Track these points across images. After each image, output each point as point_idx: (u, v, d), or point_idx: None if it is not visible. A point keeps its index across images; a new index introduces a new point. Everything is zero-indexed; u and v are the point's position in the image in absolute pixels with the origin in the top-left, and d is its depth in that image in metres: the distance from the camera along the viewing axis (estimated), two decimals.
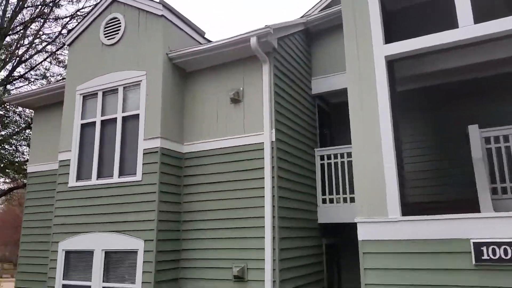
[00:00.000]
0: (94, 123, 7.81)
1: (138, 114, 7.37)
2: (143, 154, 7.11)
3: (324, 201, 8.21)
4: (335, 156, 8.25)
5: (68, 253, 7.38)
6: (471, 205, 6.88)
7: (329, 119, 9.79)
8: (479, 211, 4.43)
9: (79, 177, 7.68)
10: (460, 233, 4.14)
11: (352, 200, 7.92)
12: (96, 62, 8.10)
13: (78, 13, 19.36)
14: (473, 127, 6.86)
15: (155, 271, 6.46)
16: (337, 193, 8.21)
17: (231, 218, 6.81)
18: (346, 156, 8.02)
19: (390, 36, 5.19)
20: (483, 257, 3.98)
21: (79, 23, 8.74)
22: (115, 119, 7.61)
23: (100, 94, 7.87)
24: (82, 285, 7.07)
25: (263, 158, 6.71)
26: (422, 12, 6.90)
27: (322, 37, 9.10)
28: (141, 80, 7.46)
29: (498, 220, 4.04)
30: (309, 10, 9.72)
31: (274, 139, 6.74)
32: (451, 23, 4.93)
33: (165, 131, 7.15)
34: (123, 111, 7.57)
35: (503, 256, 3.91)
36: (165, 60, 7.41)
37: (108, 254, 7.00)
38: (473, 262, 4.01)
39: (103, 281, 6.87)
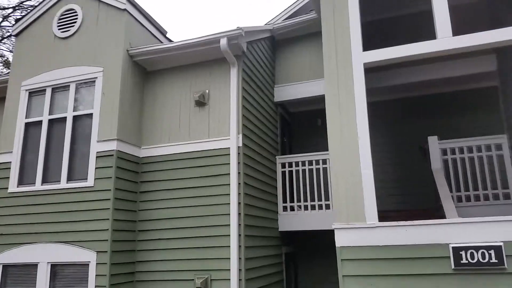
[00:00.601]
0: (40, 122, 7.07)
1: (92, 114, 6.79)
2: (96, 157, 6.53)
3: (284, 208, 8.07)
4: (296, 164, 8.18)
5: (6, 267, 6.53)
6: (429, 214, 7.09)
7: (288, 127, 9.75)
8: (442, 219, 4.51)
9: (21, 182, 6.88)
10: (439, 238, 4.15)
11: (313, 207, 7.87)
12: (46, 56, 7.39)
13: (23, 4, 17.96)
14: (432, 138, 7.14)
15: (109, 285, 5.88)
16: (298, 200, 8.12)
17: (192, 226, 6.42)
18: (308, 164, 7.99)
19: (367, 46, 5.20)
20: (462, 261, 4.01)
21: (29, 12, 7.97)
22: (64, 119, 6.94)
23: (48, 91, 7.17)
24: None
25: (229, 163, 6.43)
26: (400, 24, 7.09)
27: (286, 46, 9.07)
28: (96, 77, 6.90)
29: (475, 225, 4.10)
30: (273, 18, 9.69)
31: (240, 144, 6.50)
32: (428, 36, 5.04)
33: (122, 133, 6.64)
34: (74, 110, 6.94)
35: (481, 259, 3.97)
36: (125, 57, 6.93)
37: (54, 267, 6.29)
38: (452, 266, 4.03)
39: None
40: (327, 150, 8.31)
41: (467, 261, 4.00)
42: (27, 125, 7.19)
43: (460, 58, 7.32)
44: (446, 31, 4.75)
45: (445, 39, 4.73)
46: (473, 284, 3.94)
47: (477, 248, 4.00)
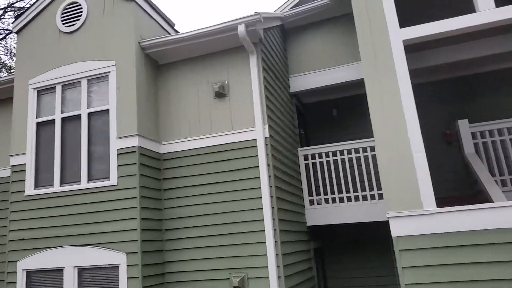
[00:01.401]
0: (53, 121, 6.69)
1: (108, 110, 6.43)
2: (118, 154, 6.18)
3: (311, 202, 7.79)
4: (320, 156, 7.91)
5: (30, 273, 6.16)
6: (470, 200, 6.86)
7: (303, 119, 9.45)
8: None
9: (37, 184, 6.50)
10: (505, 222, 3.90)
11: (341, 200, 7.60)
12: (52, 52, 7.01)
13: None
14: (463, 122, 6.90)
15: (142, 287, 5.55)
16: (325, 193, 7.85)
17: (222, 223, 6.11)
18: (332, 155, 7.71)
19: (403, 23, 4.92)
20: None
21: (28, 8, 7.57)
22: (79, 116, 6.58)
23: (58, 88, 6.79)
24: None
25: (257, 156, 6.11)
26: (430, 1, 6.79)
27: (297, 34, 8.77)
28: (109, 72, 6.54)
29: None
30: (279, 7, 9.39)
31: (267, 135, 6.19)
32: (465, 10, 4.77)
33: (142, 128, 6.30)
34: (88, 107, 6.57)
35: None
36: (137, 50, 6.58)
37: (82, 271, 5.94)
38: None
39: None
40: (345, 140, 8.19)
41: None
42: (39, 125, 6.80)
43: (489, 36, 7.08)
44: (488, 3, 4.48)
45: (488, 11, 4.46)
46: None
47: None
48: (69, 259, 6.02)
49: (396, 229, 4.22)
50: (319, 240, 8.48)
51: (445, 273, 3.96)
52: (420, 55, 6.99)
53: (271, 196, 5.96)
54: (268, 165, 6.07)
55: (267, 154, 6.11)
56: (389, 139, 4.46)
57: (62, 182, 6.41)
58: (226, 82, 6.57)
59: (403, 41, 4.71)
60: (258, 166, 6.06)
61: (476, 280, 3.87)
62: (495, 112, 7.92)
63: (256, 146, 6.13)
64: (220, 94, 6.53)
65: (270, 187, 5.99)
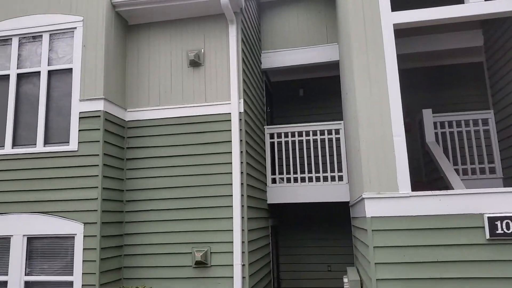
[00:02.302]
0: (7, 76, 6.08)
1: (71, 69, 5.94)
2: (79, 118, 5.75)
3: (273, 181, 7.82)
4: (286, 135, 7.91)
5: None
6: (432, 186, 7.19)
7: (270, 97, 9.39)
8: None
9: None
10: (473, 208, 4.09)
11: (303, 180, 7.70)
12: (10, 0, 6.32)
13: None
14: (427, 111, 7.16)
15: (99, 259, 5.28)
16: (287, 173, 7.90)
17: (188, 197, 5.94)
18: (297, 135, 7.74)
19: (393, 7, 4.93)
20: (497, 231, 3.99)
21: None
22: (38, 73, 6.03)
23: (15, 40, 6.16)
24: None
25: (230, 130, 5.97)
26: None
27: (272, 9, 8.62)
28: (75, 28, 6.03)
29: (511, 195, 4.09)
30: None
31: (242, 110, 6.06)
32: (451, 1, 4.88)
33: (108, 92, 5.90)
34: (49, 64, 6.03)
35: None
36: (108, 6, 6.10)
37: (32, 240, 5.53)
38: (487, 236, 3.99)
39: (26, 274, 5.41)
40: (310, 121, 8.27)
41: (502, 231, 3.98)
42: None
43: (462, 30, 7.38)
44: None
45: (478, 3, 4.59)
46: (507, 254, 3.95)
47: None
48: (18, 226, 5.59)
49: (371, 210, 4.30)
50: (276, 218, 8.57)
51: (415, 254, 4.11)
52: (400, 41, 7.15)
53: (241, 172, 5.87)
54: (241, 140, 5.95)
55: (240, 130, 5.98)
56: (372, 121, 4.48)
57: (15, 144, 5.89)
58: (202, 51, 6.30)
59: (394, 24, 4.72)
60: (230, 141, 5.92)
61: (445, 261, 4.06)
62: (455, 104, 8.34)
63: (230, 120, 5.97)
64: (195, 63, 6.25)
65: (241, 163, 5.90)
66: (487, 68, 7.82)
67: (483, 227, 4.06)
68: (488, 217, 4.04)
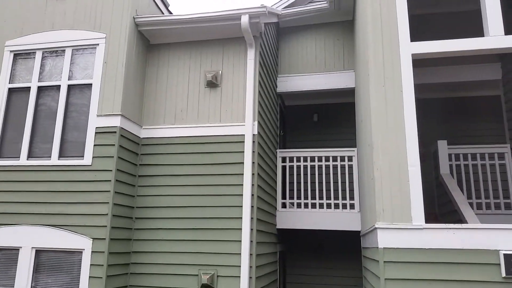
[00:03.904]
0: (27, 89, 6.22)
1: (91, 85, 6.06)
2: (96, 133, 5.82)
3: (283, 205, 7.74)
4: (298, 159, 7.88)
5: None
6: (445, 219, 7.04)
7: (283, 121, 9.41)
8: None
9: (2, 155, 6.01)
10: (489, 243, 3.99)
11: (313, 206, 7.61)
12: (37, 14, 6.52)
13: None
14: (442, 142, 7.09)
15: (106, 276, 5.24)
16: (298, 198, 7.82)
17: (198, 217, 5.91)
18: (310, 160, 7.70)
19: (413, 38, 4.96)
20: None
21: None
22: (57, 87, 6.16)
23: (39, 54, 6.33)
24: None
25: (243, 152, 5.97)
26: (446, 20, 6.92)
27: (291, 35, 8.72)
28: (98, 44, 6.18)
29: None
30: (273, 5, 9.31)
31: (256, 132, 6.07)
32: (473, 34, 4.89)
33: (126, 109, 5.99)
34: (70, 79, 6.17)
35: None
36: (131, 25, 6.25)
37: (40, 253, 5.53)
38: (503, 274, 3.87)
39: (32, 287, 5.39)
40: (323, 147, 8.24)
41: None
42: (11, 91, 6.31)
43: (479, 63, 7.38)
44: (498, 29, 4.61)
45: (497, 37, 4.59)
46: None
47: None
48: (27, 238, 5.60)
49: (384, 241, 4.22)
50: (284, 244, 8.45)
51: None
52: (417, 71, 7.21)
53: (252, 195, 5.84)
54: (253, 162, 5.95)
55: (253, 152, 5.98)
56: (387, 150, 4.45)
57: (30, 156, 5.96)
58: (220, 72, 6.38)
59: (412, 54, 4.74)
60: (242, 163, 5.91)
61: None
62: (471, 137, 8.24)
63: (244, 141, 5.98)
64: (212, 84, 6.33)
65: (253, 185, 5.87)
66: (505, 101, 7.76)
67: (499, 264, 3.94)
68: (504, 254, 3.93)
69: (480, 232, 4.09)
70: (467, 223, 5.61)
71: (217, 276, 5.62)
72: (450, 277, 4.02)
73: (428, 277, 4.06)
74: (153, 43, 6.78)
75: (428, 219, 4.34)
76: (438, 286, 4.02)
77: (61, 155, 5.88)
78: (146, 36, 6.63)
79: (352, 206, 7.42)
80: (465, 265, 4.03)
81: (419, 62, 5.34)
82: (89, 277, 5.26)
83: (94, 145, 5.77)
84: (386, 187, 4.37)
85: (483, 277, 3.96)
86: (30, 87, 6.20)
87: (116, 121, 5.78)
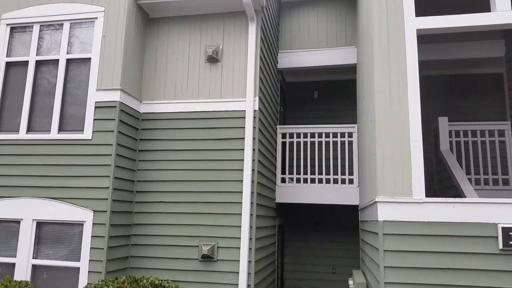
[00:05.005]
0: (25, 63, 6.15)
1: (90, 59, 5.99)
2: (95, 107, 5.79)
3: (282, 180, 7.79)
4: (298, 135, 7.89)
5: None
6: (441, 194, 7.11)
7: (283, 97, 9.37)
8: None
9: (1, 129, 5.99)
10: (487, 217, 4.04)
11: (312, 181, 7.66)
12: None
13: None
14: (443, 119, 7.09)
15: (107, 247, 5.31)
16: (297, 173, 7.86)
17: (198, 191, 5.95)
18: (310, 136, 7.71)
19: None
20: (511, 242, 3.93)
21: None
22: (56, 61, 6.09)
23: (36, 28, 6.23)
24: (2, 262, 5.55)
25: (244, 127, 5.97)
26: None
27: (292, 10, 8.60)
28: (96, 17, 6.08)
29: None
30: None
31: (257, 108, 6.05)
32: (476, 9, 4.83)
33: (125, 83, 5.94)
34: (68, 53, 6.09)
35: None
36: None
37: (41, 225, 5.59)
38: (500, 246, 3.94)
39: (34, 258, 5.47)
40: (323, 123, 8.24)
41: None
42: (9, 64, 6.24)
43: (484, 40, 7.31)
44: (505, 5, 4.55)
45: (504, 13, 4.53)
46: None
47: None
48: (28, 211, 5.65)
49: (383, 214, 4.26)
50: (283, 218, 8.55)
51: (425, 260, 4.07)
52: (420, 47, 7.16)
53: (253, 170, 5.87)
54: (254, 138, 5.95)
55: (254, 127, 5.98)
56: (389, 125, 4.45)
57: (30, 130, 5.95)
58: (220, 47, 6.31)
59: (417, 30, 4.68)
60: (243, 138, 5.92)
61: (455, 269, 4.01)
62: (471, 114, 8.24)
63: (244, 117, 5.97)
64: (213, 59, 6.27)
65: (253, 160, 5.89)
66: (507, 79, 7.71)
67: (496, 237, 4.00)
68: (502, 227, 3.99)
69: (479, 206, 4.14)
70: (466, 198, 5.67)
71: (218, 247, 5.71)
72: (449, 249, 4.08)
73: (427, 249, 4.13)
74: (153, 17, 6.68)
75: (427, 195, 4.38)
76: (437, 258, 4.09)
77: (60, 129, 5.86)
78: (145, 9, 6.52)
79: (351, 181, 7.48)
80: (464, 238, 4.09)
81: (422, 38, 5.30)
82: (91, 248, 5.33)
83: (94, 119, 5.75)
84: (388, 162, 4.39)
85: (480, 249, 4.03)
86: (28, 61, 6.13)
87: (115, 96, 5.75)
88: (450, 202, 4.19)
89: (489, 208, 4.11)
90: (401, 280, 4.02)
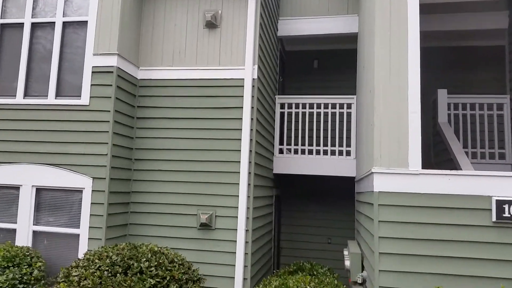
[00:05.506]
0: (21, 25, 6.01)
1: (87, 22, 5.86)
2: (92, 73, 5.71)
3: (280, 151, 7.80)
4: (297, 106, 7.83)
5: None
6: (438, 166, 7.16)
7: (283, 66, 9.25)
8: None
9: None
10: (482, 190, 4.08)
11: (310, 152, 7.68)
12: None
13: None
14: (442, 91, 7.04)
15: (106, 214, 5.37)
16: (295, 144, 7.86)
17: (197, 160, 5.96)
18: (308, 107, 7.67)
19: None
20: (504, 215, 3.99)
21: None
22: (52, 24, 5.95)
23: None
24: (3, 228, 5.61)
25: (242, 96, 5.91)
26: None
27: None
28: None
29: None
30: None
31: (255, 77, 5.98)
32: None
33: (122, 48, 5.83)
34: (64, 15, 5.94)
35: None
36: None
37: (40, 191, 5.62)
38: (494, 219, 4.00)
39: (34, 224, 5.53)
40: (323, 94, 8.17)
41: (509, 215, 3.98)
42: (3, 26, 6.09)
43: (486, 11, 7.17)
44: None
45: None
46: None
47: None
48: (27, 177, 5.66)
49: (379, 185, 4.30)
50: (280, 188, 8.63)
51: (420, 231, 4.13)
52: (421, 18, 7.02)
53: (251, 139, 5.86)
54: (252, 107, 5.91)
55: (253, 96, 5.93)
56: (389, 96, 4.42)
57: (27, 95, 5.88)
58: (219, 12, 6.16)
59: None
60: (242, 107, 5.88)
61: (448, 240, 4.08)
62: (471, 87, 8.19)
63: (243, 86, 5.91)
64: (212, 25, 6.13)
65: (251, 130, 5.88)
66: (509, 51, 7.62)
67: (490, 210, 4.05)
68: (497, 200, 4.03)
69: (475, 178, 4.17)
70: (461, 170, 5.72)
71: (216, 216, 5.78)
72: (443, 221, 4.14)
73: (421, 221, 4.18)
74: None
75: (424, 167, 4.40)
76: (431, 229, 4.15)
77: (58, 95, 5.80)
78: None
79: (348, 153, 7.49)
80: (458, 210, 4.13)
81: (424, 8, 5.19)
82: (90, 215, 5.39)
83: (91, 85, 5.68)
84: (385, 133, 4.38)
85: (474, 221, 4.08)
86: (23, 24, 5.98)
87: (112, 61, 5.65)
88: (445, 174, 4.21)
89: (484, 180, 4.14)
90: (395, 250, 4.10)
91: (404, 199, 4.24)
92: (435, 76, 8.43)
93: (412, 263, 4.05)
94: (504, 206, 4.03)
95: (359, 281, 4.83)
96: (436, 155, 7.54)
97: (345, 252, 5.45)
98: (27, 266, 4.93)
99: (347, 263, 5.12)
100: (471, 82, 8.32)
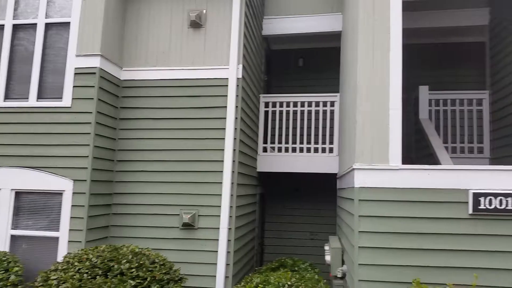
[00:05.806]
0: (1, 27, 5.95)
1: (69, 23, 5.82)
2: (74, 74, 5.69)
3: (264, 149, 7.85)
4: (281, 105, 7.88)
5: None
6: (419, 161, 7.27)
7: (268, 65, 9.30)
8: None
9: None
10: (459, 183, 4.17)
11: (294, 150, 7.72)
12: None
13: None
14: (423, 88, 7.17)
15: (87, 217, 5.35)
16: (279, 142, 7.90)
17: (180, 160, 5.97)
18: (292, 106, 7.73)
19: None
20: (479, 207, 4.09)
21: None
22: (34, 26, 5.90)
23: None
24: None
25: (226, 96, 5.94)
26: None
27: None
28: None
29: (496, 173, 4.16)
30: None
31: (240, 76, 6.01)
32: None
33: (105, 49, 5.81)
34: (47, 17, 5.90)
35: (498, 206, 4.07)
36: None
37: (20, 195, 5.57)
38: (470, 211, 4.09)
39: (12, 228, 5.48)
40: (308, 92, 8.23)
41: (484, 207, 4.08)
42: None
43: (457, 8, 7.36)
44: None
45: None
46: (488, 228, 4.06)
47: (495, 195, 4.08)
48: (7, 180, 5.60)
49: (360, 181, 4.36)
50: (264, 186, 8.67)
51: (399, 225, 4.21)
52: (407, 16, 7.14)
53: (235, 139, 5.89)
54: (237, 106, 5.94)
55: (237, 96, 5.96)
56: (371, 93, 4.49)
57: (7, 97, 5.83)
58: (204, 11, 6.18)
59: None
60: (226, 107, 5.91)
61: (427, 233, 4.17)
62: (452, 83, 8.32)
63: (227, 85, 5.93)
64: (196, 24, 6.14)
65: (235, 129, 5.91)
66: (490, 47, 7.78)
67: (467, 202, 4.15)
68: (473, 193, 4.13)
69: (452, 172, 4.27)
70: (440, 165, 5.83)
71: (198, 215, 5.80)
72: (422, 214, 4.22)
73: (400, 215, 4.26)
74: None
75: (405, 163, 4.48)
76: (409, 223, 4.23)
77: (39, 97, 5.76)
78: None
79: (331, 150, 7.56)
80: (437, 203, 4.22)
81: (406, 5, 5.28)
82: (70, 217, 5.36)
83: (74, 86, 5.66)
84: (367, 130, 4.45)
85: (452, 214, 4.18)
86: (4, 25, 5.93)
87: (95, 62, 5.64)
88: (425, 169, 4.30)
89: (461, 174, 4.24)
90: (374, 244, 4.17)
91: (384, 194, 4.31)
92: (418, 73, 8.56)
93: (391, 256, 4.13)
94: (480, 198, 4.13)
95: (339, 275, 4.89)
96: (418, 151, 7.67)
97: (326, 247, 5.52)
98: (3, 271, 4.86)
99: (328, 257, 5.18)
100: (453, 78, 8.45)
